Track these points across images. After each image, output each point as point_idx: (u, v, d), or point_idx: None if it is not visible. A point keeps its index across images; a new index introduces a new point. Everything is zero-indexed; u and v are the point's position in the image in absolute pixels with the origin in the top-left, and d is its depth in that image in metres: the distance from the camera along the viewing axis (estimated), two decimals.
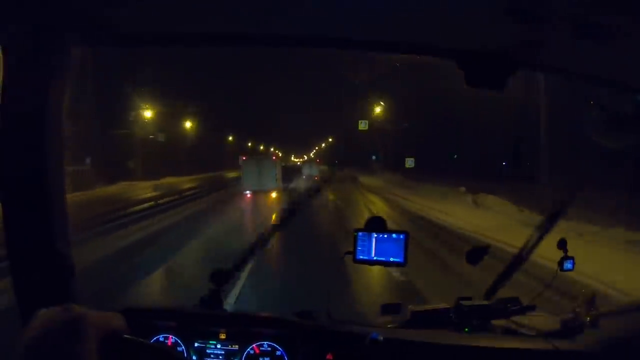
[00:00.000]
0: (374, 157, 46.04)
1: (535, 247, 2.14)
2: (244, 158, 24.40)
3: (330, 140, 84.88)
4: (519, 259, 2.17)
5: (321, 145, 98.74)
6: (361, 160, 49.34)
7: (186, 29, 1.61)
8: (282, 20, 1.51)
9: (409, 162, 27.76)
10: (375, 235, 1.72)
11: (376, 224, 1.73)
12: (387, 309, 1.94)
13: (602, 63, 1.69)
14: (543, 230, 2.13)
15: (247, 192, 20.22)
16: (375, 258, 1.72)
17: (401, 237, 1.71)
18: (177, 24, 1.57)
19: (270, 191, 20.47)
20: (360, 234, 1.74)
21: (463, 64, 1.69)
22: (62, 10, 1.31)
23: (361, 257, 1.73)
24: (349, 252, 1.76)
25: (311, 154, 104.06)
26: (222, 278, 1.78)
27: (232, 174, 36.30)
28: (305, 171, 39.90)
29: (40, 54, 1.33)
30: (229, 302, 5.75)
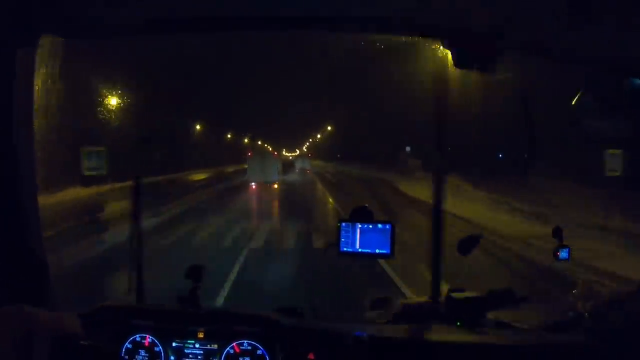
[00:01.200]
0: (408, 149, 29.78)
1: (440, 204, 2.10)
2: (249, 154, 26.73)
3: (329, 128, 72.95)
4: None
5: (316, 137, 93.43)
6: (378, 153, 34.42)
7: (160, 15, 1.55)
8: (264, 1, 1.45)
9: None
10: (360, 226, 1.64)
11: (361, 214, 1.66)
12: (377, 303, 1.87)
13: (593, 44, 1.63)
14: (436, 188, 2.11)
15: (252, 183, 22.81)
16: (360, 250, 1.65)
17: (387, 227, 1.64)
18: (154, 11, 1.51)
19: (272, 183, 22.89)
20: (343, 224, 1.66)
21: (450, 44, 1.62)
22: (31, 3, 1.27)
23: (345, 249, 1.66)
24: (332, 244, 1.68)
25: (304, 148, 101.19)
26: (199, 274, 1.70)
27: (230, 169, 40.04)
28: (298, 165, 43.57)
29: (7, 47, 1.29)
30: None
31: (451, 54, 1.61)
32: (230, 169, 42.28)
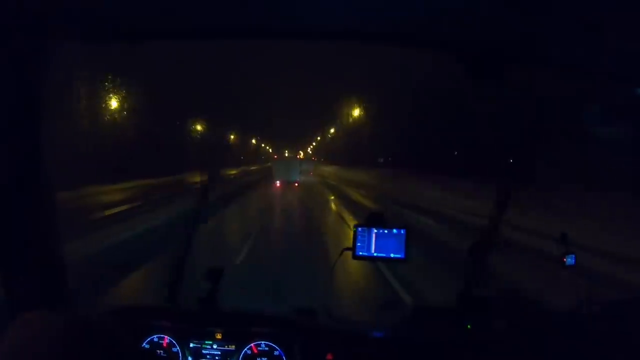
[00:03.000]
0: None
1: (493, 233, 2.08)
2: (275, 157, 36.67)
3: (332, 131, 67.82)
4: (486, 246, 2.09)
5: (317, 139, 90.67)
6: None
7: (172, 25, 1.58)
8: (272, 12, 1.48)
9: None
10: (375, 231, 1.69)
11: (376, 219, 1.71)
12: (388, 305, 1.91)
13: (600, 56, 1.67)
14: (495, 218, 2.06)
15: (277, 182, 28.29)
16: (375, 254, 1.69)
17: (402, 232, 1.68)
18: (162, 20, 1.54)
19: (294, 182, 27.67)
20: (359, 229, 1.70)
21: (462, 57, 1.67)
22: (43, 7, 1.29)
23: (361, 253, 1.70)
24: (348, 248, 1.72)
25: (308, 149, 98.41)
26: (218, 276, 1.75)
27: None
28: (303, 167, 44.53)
29: (20, 50, 1.32)
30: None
31: (463, 67, 1.65)
32: (253, 167, 56.53)
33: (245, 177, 35.59)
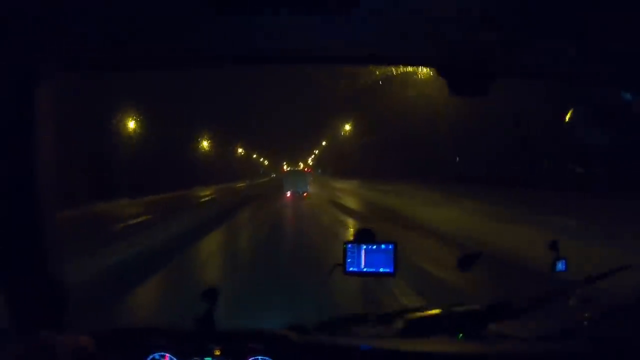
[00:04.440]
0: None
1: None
2: (286, 170, 39.04)
3: (347, 128, 53.03)
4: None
5: (319, 147, 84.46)
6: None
7: (170, 53, 1.63)
8: (262, 38, 1.52)
9: None
10: (365, 247, 1.72)
11: (365, 236, 1.74)
12: (381, 318, 1.93)
13: (584, 63, 1.70)
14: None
15: (288, 192, 30.24)
16: (365, 270, 1.72)
17: (390, 247, 1.71)
18: (163, 49, 1.58)
19: (303, 193, 29.87)
20: (349, 245, 1.74)
21: (444, 72, 1.70)
22: (36, 42, 1.33)
23: (351, 269, 1.73)
24: (338, 264, 1.76)
25: (309, 160, 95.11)
26: (214, 296, 1.78)
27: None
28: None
29: (21, 76, 1.36)
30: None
31: (447, 81, 1.68)
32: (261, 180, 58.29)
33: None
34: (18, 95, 1.36)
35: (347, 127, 48.76)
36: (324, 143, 74.66)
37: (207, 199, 29.91)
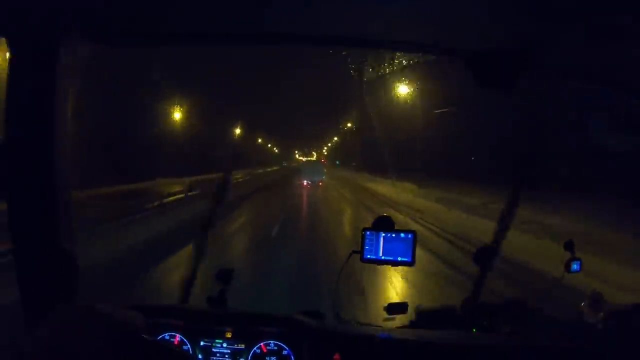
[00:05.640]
0: None
1: (501, 239, 2.11)
2: (303, 160, 43.13)
3: (349, 125, 50.53)
4: (491, 252, 2.12)
5: (333, 139, 77.11)
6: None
7: (189, 29, 1.62)
8: (290, 18, 1.51)
9: None
10: (383, 235, 1.71)
11: (384, 223, 1.73)
12: (394, 308, 1.93)
13: (609, 63, 1.68)
14: (503, 223, 2.12)
15: (305, 181, 32.71)
16: (383, 257, 1.71)
17: (409, 236, 1.70)
18: (180, 24, 1.57)
19: (319, 181, 32.58)
20: (368, 233, 1.72)
21: (470, 63, 1.69)
22: (65, 8, 1.32)
23: (369, 256, 1.72)
24: (356, 251, 1.75)
25: (324, 150, 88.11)
26: (228, 277, 1.78)
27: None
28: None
29: (44, 50, 1.34)
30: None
31: (472, 73, 1.67)
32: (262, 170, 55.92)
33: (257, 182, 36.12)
34: (40, 65, 1.35)
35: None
36: (345, 127, 58.25)
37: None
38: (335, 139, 75.04)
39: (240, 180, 32.99)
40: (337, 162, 67.67)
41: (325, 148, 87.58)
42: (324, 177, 34.56)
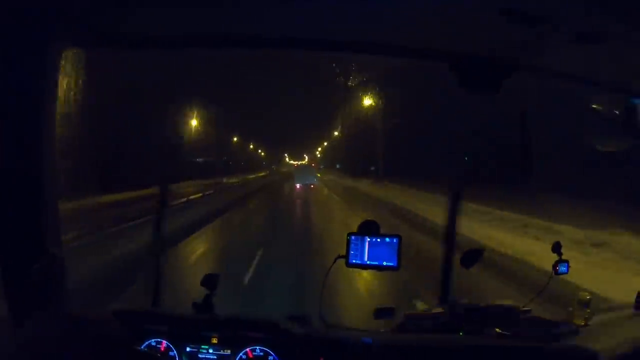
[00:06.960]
0: None
1: (453, 228, 2.20)
2: (295, 164, 44.97)
3: (336, 133, 56.27)
4: (449, 243, 2.21)
5: (323, 144, 78.95)
6: None
7: (177, 32, 1.61)
8: (277, 23, 1.51)
9: None
10: (369, 239, 1.70)
11: (369, 228, 1.71)
12: (381, 312, 1.92)
13: (597, 66, 1.69)
14: (452, 211, 2.21)
15: (298, 184, 34.15)
16: (368, 262, 1.70)
17: (394, 240, 1.69)
18: (166, 27, 1.57)
19: (311, 185, 33.88)
20: (353, 237, 1.71)
21: (456, 67, 1.68)
22: (52, 12, 1.31)
23: (354, 261, 1.71)
24: (341, 256, 1.73)
25: (317, 152, 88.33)
26: (214, 282, 1.77)
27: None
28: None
29: (32, 54, 1.33)
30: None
31: (457, 76, 1.67)
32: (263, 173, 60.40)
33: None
34: (31, 69, 1.34)
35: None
36: (335, 133, 62.14)
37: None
38: (325, 143, 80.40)
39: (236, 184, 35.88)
40: (321, 167, 75.38)
41: (318, 151, 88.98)
42: (315, 181, 35.85)
